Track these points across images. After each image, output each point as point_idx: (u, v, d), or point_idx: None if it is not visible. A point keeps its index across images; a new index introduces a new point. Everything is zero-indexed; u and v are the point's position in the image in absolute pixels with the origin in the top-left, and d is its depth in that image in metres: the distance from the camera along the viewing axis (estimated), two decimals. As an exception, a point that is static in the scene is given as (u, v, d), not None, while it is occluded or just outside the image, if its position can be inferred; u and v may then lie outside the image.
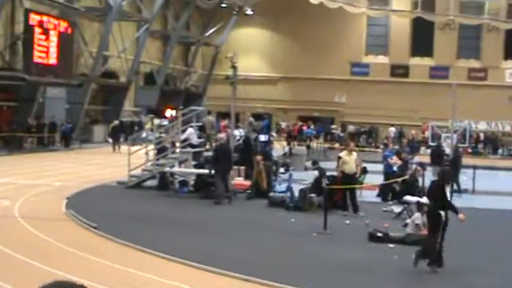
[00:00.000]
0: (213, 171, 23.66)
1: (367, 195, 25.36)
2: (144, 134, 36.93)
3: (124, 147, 35.00)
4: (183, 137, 27.77)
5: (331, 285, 12.62)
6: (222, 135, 27.57)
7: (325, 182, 22.05)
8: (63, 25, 44.36)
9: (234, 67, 27.32)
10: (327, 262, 14.98)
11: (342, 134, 61.37)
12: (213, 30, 67.52)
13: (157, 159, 27.15)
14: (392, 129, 60.57)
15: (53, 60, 43.06)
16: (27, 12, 41.52)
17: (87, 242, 15.79)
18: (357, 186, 22.99)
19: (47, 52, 42.39)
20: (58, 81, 44.72)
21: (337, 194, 22.05)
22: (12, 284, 11.51)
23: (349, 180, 22.05)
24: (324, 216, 18.28)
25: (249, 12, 67.34)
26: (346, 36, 69.09)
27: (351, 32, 69.46)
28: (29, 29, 41.08)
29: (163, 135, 30.16)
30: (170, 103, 58.13)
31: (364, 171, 25.40)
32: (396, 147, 33.45)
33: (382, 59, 69.92)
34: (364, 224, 19.09)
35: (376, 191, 25.95)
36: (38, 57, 41.58)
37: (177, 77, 67.78)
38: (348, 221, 20.41)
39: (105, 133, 51.13)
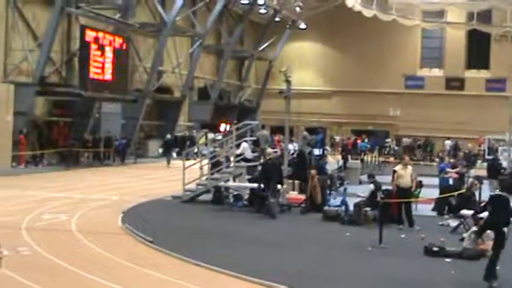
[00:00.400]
0: (262, 186, 23.78)
1: (423, 209, 25.07)
2: (196, 149, 37.12)
3: (177, 162, 35.06)
4: (237, 151, 27.86)
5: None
6: (271, 150, 27.59)
7: (380, 195, 21.91)
8: (118, 41, 44.84)
9: (287, 81, 27.27)
10: (383, 276, 14.86)
11: (396, 148, 60.85)
12: (266, 44, 67.63)
13: (212, 174, 27.25)
14: (448, 142, 59.81)
15: (108, 76, 43.55)
16: (83, 28, 42.03)
17: (143, 256, 15.90)
18: (413, 200, 22.78)
19: (102, 68, 42.87)
20: (113, 97, 45.19)
21: (392, 207, 21.87)
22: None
23: (405, 194, 21.85)
24: (379, 230, 18.15)
25: (302, 26, 67.35)
26: (400, 49, 68.64)
27: (405, 45, 68.98)
28: (84, 46, 41.57)
29: (217, 149, 30.25)
30: (224, 118, 58.42)
31: (420, 185, 25.15)
32: (452, 160, 33.07)
33: (436, 72, 69.36)
34: (420, 238, 18.86)
35: (432, 205, 25.64)
36: (93, 73, 42.08)
37: (231, 91, 67.99)
38: (403, 235, 20.23)
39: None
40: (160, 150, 47.30)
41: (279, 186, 24.28)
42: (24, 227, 19.32)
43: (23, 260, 14.62)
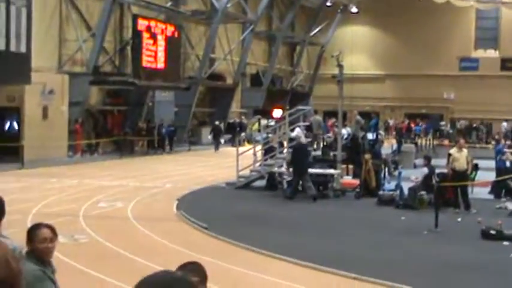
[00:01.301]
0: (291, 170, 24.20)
1: (479, 192, 24.78)
2: (243, 135, 37.08)
3: (227, 148, 35.19)
4: (292, 135, 27.84)
5: (443, 284, 12.39)
6: (298, 134, 27.68)
7: (435, 179, 21.72)
8: (170, 29, 45.04)
9: (340, 66, 27.15)
10: (439, 260, 14.73)
11: (451, 131, 60.21)
12: (318, 29, 67.31)
13: (265, 160, 27.30)
14: (504, 124, 59.03)
15: (161, 64, 43.79)
16: (135, 17, 42.32)
17: (198, 242, 16.01)
18: (469, 183, 22.53)
19: (155, 56, 43.13)
20: (166, 85, 45.45)
21: (448, 191, 21.66)
22: (129, 283, 11.76)
23: (461, 177, 21.64)
24: (435, 214, 18.01)
25: (354, 10, 66.84)
26: (454, 31, 67.74)
27: (458, 26, 68.09)
28: (137, 34, 41.86)
29: (270, 135, 30.25)
30: (276, 103, 58.33)
31: (476, 167, 24.86)
32: (508, 142, 32.59)
33: (492, 53, 68.34)
34: (477, 222, 18.65)
35: (489, 188, 25.33)
36: (146, 61, 42.35)
37: (283, 77, 67.94)
38: (459, 219, 20.05)
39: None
40: (210, 137, 47.56)
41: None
42: (81, 215, 19.59)
43: (80, 247, 14.83)
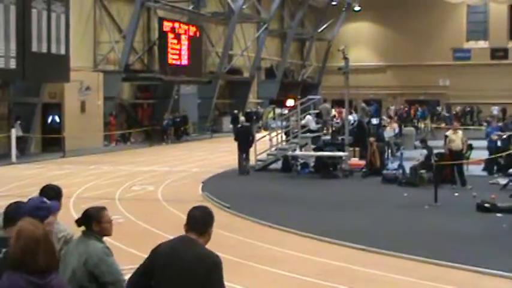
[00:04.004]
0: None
1: (474, 169, 24.62)
2: (260, 123, 36.81)
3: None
4: (302, 122, 27.78)
5: (444, 254, 12.33)
6: (243, 118, 28.47)
7: (433, 159, 21.62)
8: (192, 30, 45.03)
9: (345, 58, 27.03)
10: (439, 232, 14.68)
11: (447, 115, 59.86)
12: (325, 26, 67.01)
13: (287, 141, 27.40)
14: (495, 108, 58.82)
15: (184, 61, 43.79)
16: (160, 20, 42.37)
17: (222, 220, 15.96)
18: (464, 161, 22.41)
19: (179, 54, 43.13)
20: (190, 79, 45.53)
21: (445, 169, 21.54)
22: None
23: (457, 157, 21.52)
24: (435, 190, 17.94)
25: (357, 8, 66.49)
26: (448, 25, 67.41)
27: (451, 20, 67.73)
28: (163, 35, 41.91)
29: (295, 121, 29.75)
30: (289, 94, 58.19)
31: (470, 147, 24.69)
32: (500, 124, 32.32)
33: (482, 44, 67.89)
34: (472, 196, 18.55)
35: (482, 165, 25.18)
36: (171, 59, 42.37)
37: (294, 70, 67.87)
38: (456, 194, 19.96)
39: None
40: (231, 126, 47.53)
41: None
42: (117, 198, 19.67)
43: (117, 227, 14.81)
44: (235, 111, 49.05)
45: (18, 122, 32.49)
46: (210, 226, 5.33)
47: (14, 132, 30.05)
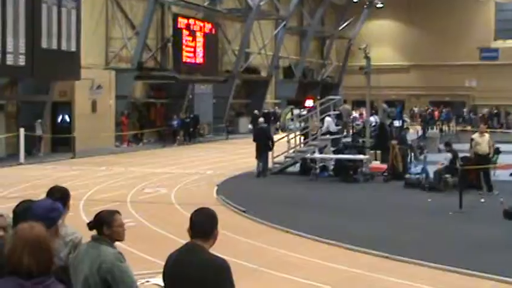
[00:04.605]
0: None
1: (501, 174, 24.43)
2: (277, 125, 36.76)
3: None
4: (323, 128, 27.68)
5: (470, 263, 12.23)
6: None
7: (459, 163, 21.48)
8: (207, 26, 45.12)
9: (367, 57, 26.97)
10: (465, 239, 14.57)
11: (473, 117, 59.59)
12: (346, 24, 66.98)
13: (305, 143, 27.33)
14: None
15: (199, 59, 43.87)
16: (175, 16, 42.49)
17: (238, 224, 15.98)
18: (491, 166, 22.25)
19: (194, 52, 43.22)
20: (205, 78, 45.58)
21: (471, 174, 21.39)
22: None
23: (483, 161, 21.37)
24: (460, 196, 17.78)
25: (379, 5, 66.32)
26: (475, 23, 67.00)
27: (478, 18, 67.33)
28: (177, 32, 42.03)
29: (316, 123, 29.67)
30: (308, 94, 58.17)
31: (497, 151, 24.51)
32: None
33: (511, 43, 67.46)
34: (499, 202, 18.40)
35: (510, 170, 24.99)
36: (186, 57, 42.48)
37: (314, 69, 67.75)
38: (482, 200, 19.77)
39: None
40: (250, 126, 47.46)
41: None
42: (128, 201, 19.68)
43: (128, 231, 14.84)
44: (256, 112, 49.03)
45: (39, 120, 32.69)
46: (215, 228, 5.38)
47: (22, 132, 30.13)
